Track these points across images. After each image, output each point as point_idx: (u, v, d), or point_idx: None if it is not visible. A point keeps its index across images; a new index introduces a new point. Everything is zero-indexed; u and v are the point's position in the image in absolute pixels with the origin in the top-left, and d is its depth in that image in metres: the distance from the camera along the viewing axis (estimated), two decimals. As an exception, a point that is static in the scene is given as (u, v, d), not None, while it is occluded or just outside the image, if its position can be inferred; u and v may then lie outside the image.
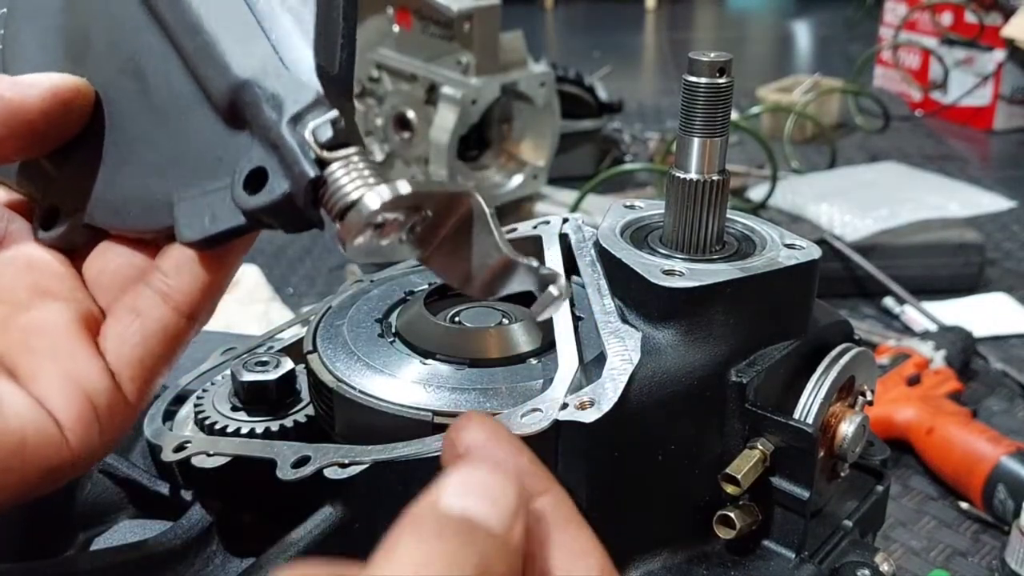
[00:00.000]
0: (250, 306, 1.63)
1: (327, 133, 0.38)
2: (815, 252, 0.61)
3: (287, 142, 0.38)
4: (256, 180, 0.39)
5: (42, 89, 0.41)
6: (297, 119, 0.39)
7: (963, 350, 1.47)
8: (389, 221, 0.38)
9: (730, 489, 0.56)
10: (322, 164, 0.38)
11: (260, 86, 0.40)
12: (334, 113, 0.39)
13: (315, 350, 0.58)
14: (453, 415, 0.53)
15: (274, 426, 0.59)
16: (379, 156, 1.81)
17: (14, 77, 0.41)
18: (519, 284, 0.43)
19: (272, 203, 0.39)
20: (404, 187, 0.37)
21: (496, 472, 0.33)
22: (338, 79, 0.40)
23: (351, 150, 0.39)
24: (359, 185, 0.38)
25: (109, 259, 0.45)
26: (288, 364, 0.61)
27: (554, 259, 0.65)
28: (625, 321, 0.57)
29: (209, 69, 0.41)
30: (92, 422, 0.42)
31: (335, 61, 0.41)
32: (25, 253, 0.45)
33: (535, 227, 0.70)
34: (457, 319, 0.62)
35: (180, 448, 0.57)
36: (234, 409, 0.60)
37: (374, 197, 0.37)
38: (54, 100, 0.41)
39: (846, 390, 0.62)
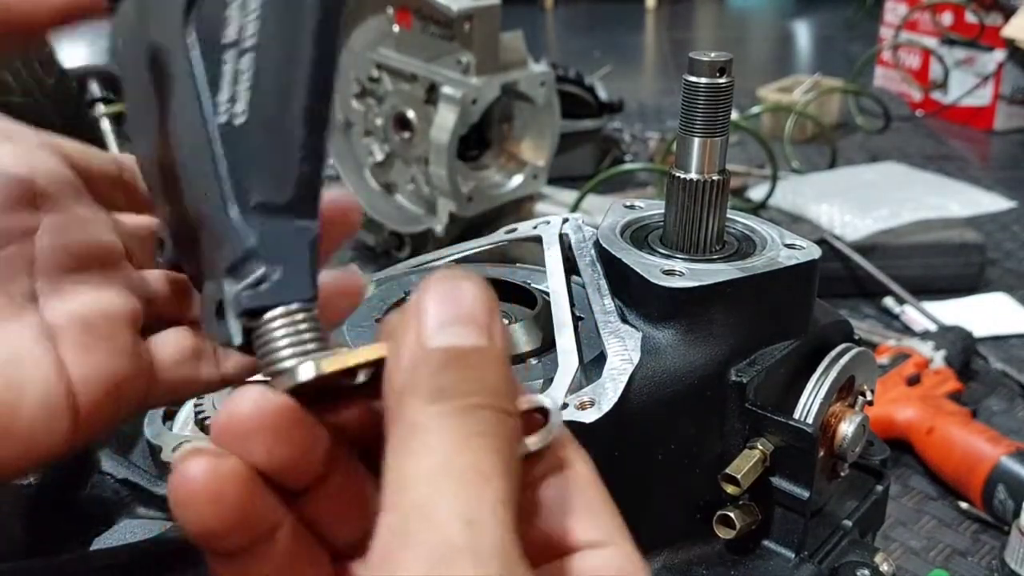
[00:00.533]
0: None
1: (252, 301, 0.35)
2: (815, 252, 0.61)
3: (221, 298, 0.36)
4: (219, 312, 0.37)
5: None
6: (232, 271, 0.36)
7: (963, 350, 1.47)
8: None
9: (730, 489, 0.56)
10: (248, 331, 0.36)
11: (209, 224, 0.37)
12: (259, 273, 0.35)
13: (315, 350, 0.58)
14: (453, 415, 0.53)
15: (274, 426, 0.59)
16: (379, 156, 1.81)
17: None
18: None
19: (223, 343, 0.37)
20: (327, 365, 0.33)
21: (462, 284, 0.33)
22: (294, 203, 0.36)
23: (278, 311, 0.35)
24: (290, 352, 0.35)
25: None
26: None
27: (554, 259, 0.65)
28: (625, 321, 0.57)
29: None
30: (109, 412, 0.41)
31: (288, 184, 0.36)
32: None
33: (535, 227, 0.70)
34: (457, 319, 0.62)
35: (180, 448, 0.57)
36: (234, 409, 0.60)
37: (305, 370, 0.34)
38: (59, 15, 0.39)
39: (846, 390, 0.62)
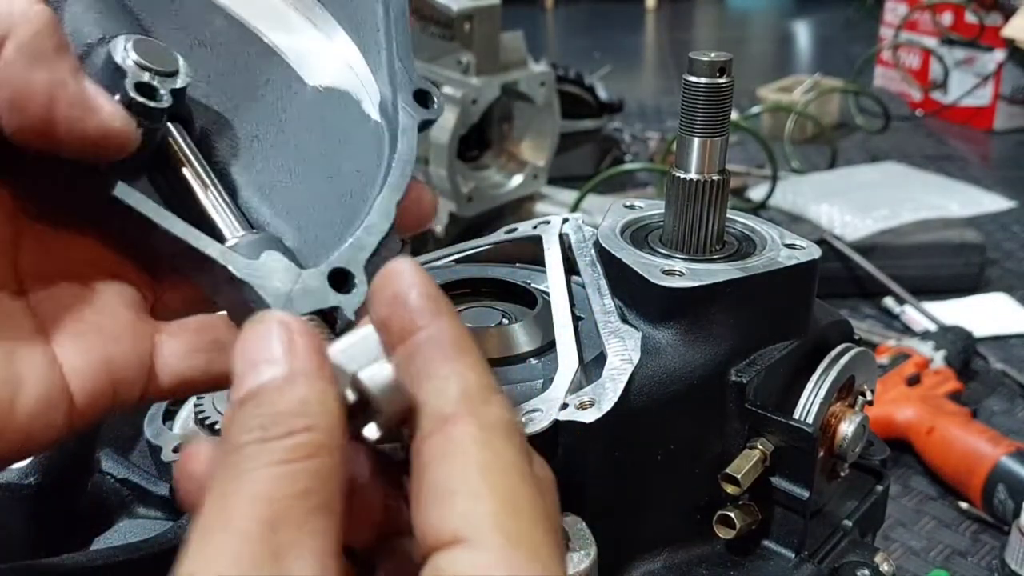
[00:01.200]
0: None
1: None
2: (815, 252, 0.61)
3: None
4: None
5: (97, 128, 0.38)
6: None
7: (963, 350, 1.47)
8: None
9: (730, 489, 0.56)
10: None
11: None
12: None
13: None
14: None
15: (274, 426, 0.59)
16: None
17: (83, 96, 0.38)
18: None
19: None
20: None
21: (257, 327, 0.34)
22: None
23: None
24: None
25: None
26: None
27: (554, 259, 0.65)
28: (625, 321, 0.57)
29: None
30: (104, 407, 0.41)
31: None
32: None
33: (535, 227, 0.70)
34: (457, 319, 0.62)
35: (180, 448, 0.57)
36: (234, 409, 0.60)
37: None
38: (100, 138, 0.39)
39: (846, 390, 0.62)
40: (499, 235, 0.72)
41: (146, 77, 0.41)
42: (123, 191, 0.39)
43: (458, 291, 0.66)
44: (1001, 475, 1.17)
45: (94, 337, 0.41)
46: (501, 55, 1.69)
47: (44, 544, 0.62)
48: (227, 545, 0.30)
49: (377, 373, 0.34)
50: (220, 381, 0.44)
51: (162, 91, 0.41)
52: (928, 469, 1.29)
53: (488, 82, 1.67)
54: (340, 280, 0.40)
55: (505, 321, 0.61)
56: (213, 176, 0.44)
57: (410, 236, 0.44)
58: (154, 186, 0.43)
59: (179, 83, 0.42)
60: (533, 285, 0.65)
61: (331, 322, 0.40)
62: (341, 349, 0.35)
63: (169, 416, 0.64)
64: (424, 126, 0.45)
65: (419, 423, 0.34)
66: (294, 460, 0.31)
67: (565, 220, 0.69)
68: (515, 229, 0.72)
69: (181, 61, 0.43)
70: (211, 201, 0.43)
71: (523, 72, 1.73)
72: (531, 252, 0.69)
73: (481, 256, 0.73)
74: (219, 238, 0.41)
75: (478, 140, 1.80)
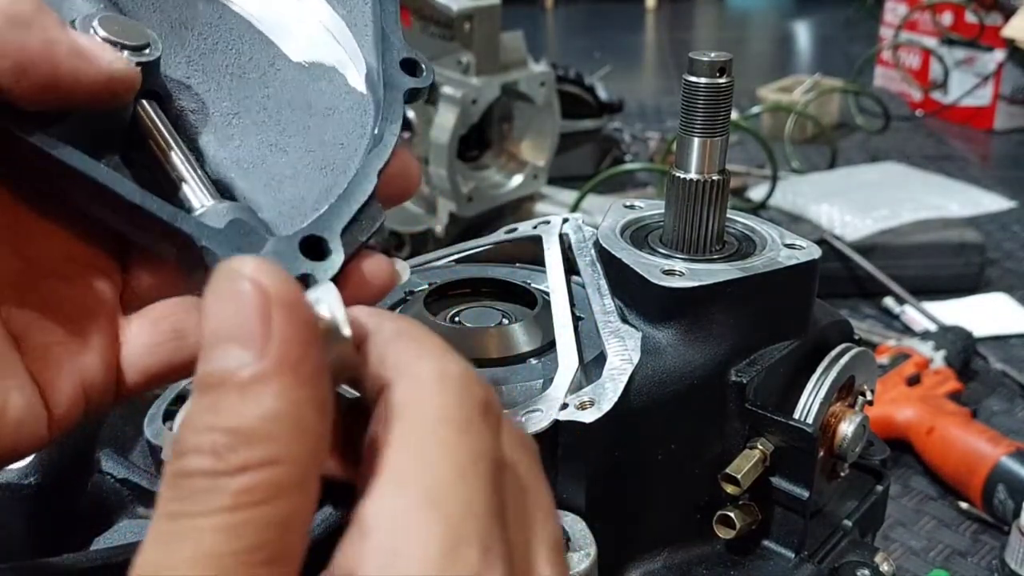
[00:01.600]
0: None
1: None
2: (815, 252, 0.61)
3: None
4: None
5: (100, 72, 0.38)
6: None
7: (963, 350, 1.47)
8: None
9: (730, 489, 0.56)
10: None
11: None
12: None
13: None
14: (453, 415, 0.53)
15: (274, 426, 0.59)
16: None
17: (78, 46, 0.38)
18: None
19: None
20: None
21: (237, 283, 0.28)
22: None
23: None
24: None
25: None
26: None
27: (554, 259, 0.65)
28: (625, 321, 0.57)
29: None
30: (78, 415, 0.41)
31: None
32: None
33: (535, 227, 0.70)
34: (457, 319, 0.62)
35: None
36: (234, 409, 0.60)
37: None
38: (107, 81, 0.38)
39: (846, 390, 0.62)
40: (499, 235, 0.72)
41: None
42: (83, 161, 0.38)
43: (458, 291, 0.66)
44: (1001, 475, 1.17)
45: (66, 348, 0.40)
46: (501, 55, 1.69)
47: (44, 544, 0.62)
48: None
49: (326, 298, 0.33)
50: (187, 370, 0.43)
51: (128, 62, 0.41)
52: (928, 469, 1.29)
53: (488, 82, 1.67)
54: (313, 247, 0.38)
55: (505, 321, 0.61)
56: (186, 150, 0.42)
57: (394, 206, 0.43)
58: (127, 164, 0.43)
59: (148, 56, 0.41)
60: (533, 285, 0.65)
61: None
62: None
63: (169, 416, 0.64)
64: (412, 95, 0.44)
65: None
66: (246, 507, 0.26)
67: (565, 220, 0.69)
68: (515, 229, 0.72)
69: (153, 35, 0.42)
70: (181, 173, 0.41)
71: (523, 72, 1.73)
72: (531, 252, 0.69)
73: (481, 256, 0.73)
74: (188, 208, 0.40)
75: (478, 140, 1.80)
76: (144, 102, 0.42)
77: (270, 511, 0.26)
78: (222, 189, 0.43)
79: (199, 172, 0.42)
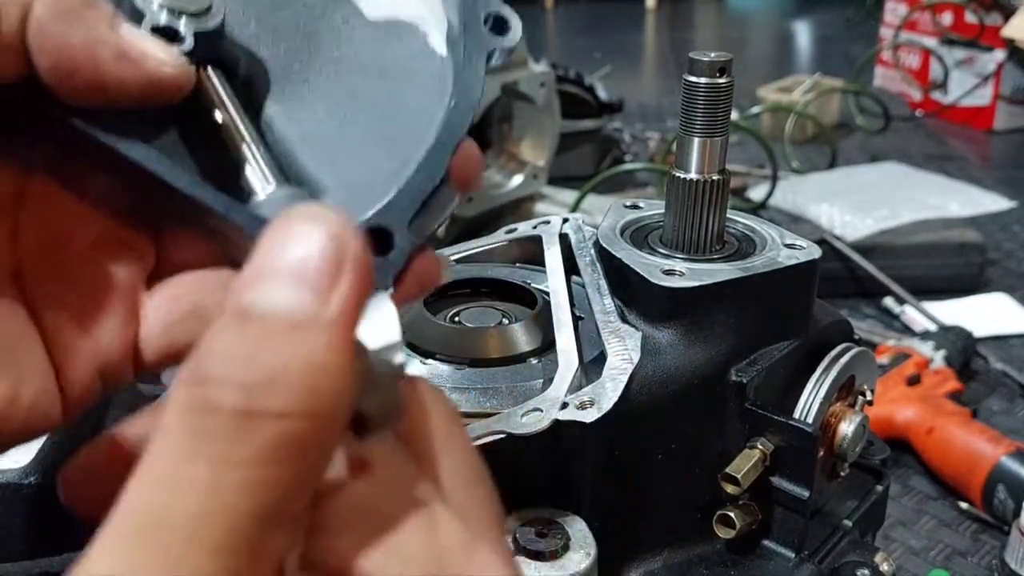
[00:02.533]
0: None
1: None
2: (815, 252, 0.61)
3: None
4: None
5: (147, 77, 0.36)
6: None
7: (963, 350, 1.47)
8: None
9: (730, 489, 0.56)
10: None
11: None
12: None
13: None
14: (453, 415, 0.53)
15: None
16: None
17: (124, 47, 0.36)
18: None
19: None
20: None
21: (306, 227, 0.26)
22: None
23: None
24: None
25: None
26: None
27: (554, 259, 0.65)
28: (625, 321, 0.58)
29: None
30: (94, 397, 0.40)
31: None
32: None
33: (535, 227, 0.70)
34: (457, 319, 0.62)
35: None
36: (234, 409, 0.60)
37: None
38: (154, 87, 0.37)
39: (846, 390, 0.62)
40: (499, 235, 0.72)
41: (163, 19, 0.37)
42: (134, 149, 0.36)
43: (458, 291, 0.66)
44: (1001, 475, 1.17)
45: (84, 328, 0.40)
46: (501, 55, 1.69)
47: (44, 544, 0.63)
48: (149, 561, 0.23)
49: (388, 357, 0.29)
50: None
51: (184, 33, 0.37)
52: (928, 469, 1.28)
53: (488, 82, 1.67)
54: (378, 240, 0.34)
55: (505, 321, 0.61)
56: (249, 125, 0.39)
57: (461, 195, 0.39)
58: (184, 137, 0.40)
59: (210, 23, 0.38)
60: (533, 285, 0.65)
61: None
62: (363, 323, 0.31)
63: (169, 416, 0.64)
64: (494, 57, 0.39)
65: None
66: (274, 462, 0.24)
67: (565, 220, 0.69)
68: (515, 229, 0.72)
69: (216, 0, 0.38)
70: (244, 152, 0.38)
71: (523, 72, 1.73)
72: (531, 252, 0.69)
73: (481, 256, 0.73)
74: (249, 192, 0.38)
75: (478, 140, 1.80)
76: (208, 70, 0.39)
77: (294, 470, 0.24)
78: (285, 166, 0.39)
79: (263, 151, 0.39)
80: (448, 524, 0.28)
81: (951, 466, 1.24)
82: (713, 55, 0.59)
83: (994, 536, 1.18)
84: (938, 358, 1.42)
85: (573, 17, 4.74)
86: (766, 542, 0.60)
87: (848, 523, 0.63)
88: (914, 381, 1.35)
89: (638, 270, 0.58)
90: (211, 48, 0.39)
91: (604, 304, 0.59)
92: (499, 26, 0.39)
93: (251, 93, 0.41)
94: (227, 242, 0.39)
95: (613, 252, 0.61)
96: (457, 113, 0.37)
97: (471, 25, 0.39)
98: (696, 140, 0.61)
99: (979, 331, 1.54)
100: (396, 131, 0.39)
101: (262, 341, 0.24)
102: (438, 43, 0.41)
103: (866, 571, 0.60)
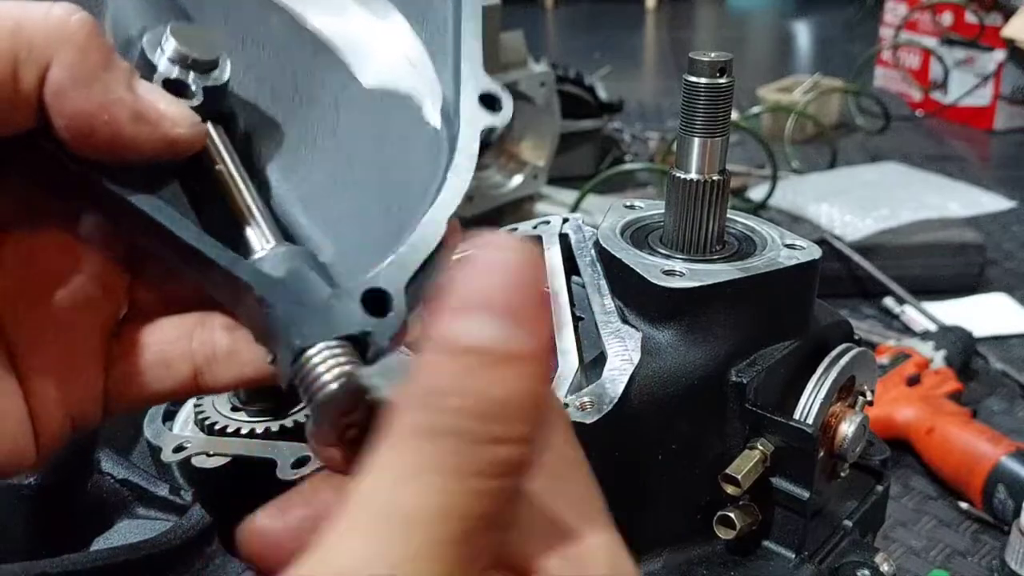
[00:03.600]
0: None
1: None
2: (815, 252, 0.61)
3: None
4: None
5: (162, 138, 0.37)
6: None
7: (963, 350, 1.47)
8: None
9: (730, 489, 0.56)
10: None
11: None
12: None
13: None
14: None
15: (274, 426, 0.59)
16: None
17: (141, 108, 0.36)
18: None
19: None
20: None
21: (508, 256, 0.28)
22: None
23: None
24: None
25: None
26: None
27: (554, 259, 0.65)
28: (625, 321, 0.58)
29: None
30: (64, 440, 0.40)
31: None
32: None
33: (535, 227, 0.70)
34: (457, 319, 0.62)
35: (180, 448, 0.57)
36: (234, 409, 0.60)
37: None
38: (168, 146, 0.37)
39: (846, 390, 0.62)
40: (499, 235, 0.72)
41: (176, 73, 0.38)
42: (142, 200, 0.37)
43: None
44: (1001, 475, 1.17)
45: (59, 372, 0.40)
46: (501, 55, 1.69)
47: (44, 544, 0.62)
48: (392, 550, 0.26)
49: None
50: (168, 397, 0.42)
51: (194, 87, 0.38)
52: (928, 469, 1.28)
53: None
54: (375, 302, 0.36)
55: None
56: (249, 182, 0.40)
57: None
58: (184, 189, 0.40)
59: (218, 79, 0.39)
60: (533, 285, 0.65)
61: (362, 349, 0.35)
62: (373, 373, 0.32)
63: (169, 416, 0.64)
64: (488, 135, 0.40)
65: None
66: (500, 475, 0.27)
67: (565, 220, 0.69)
68: (515, 229, 0.72)
69: (224, 54, 0.39)
70: (244, 209, 0.39)
71: (523, 72, 1.73)
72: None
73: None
74: (248, 249, 0.38)
75: (478, 140, 1.80)
76: (210, 126, 0.40)
77: (513, 482, 0.28)
78: (284, 227, 0.40)
79: (263, 208, 0.39)
80: (610, 524, 0.32)
81: (951, 466, 1.24)
82: (713, 55, 0.59)
83: (994, 536, 1.18)
84: (938, 358, 1.42)
85: (573, 17, 4.74)
86: (766, 543, 0.60)
87: (848, 523, 0.63)
88: (914, 381, 1.35)
89: (638, 270, 0.58)
90: (217, 103, 0.40)
91: (604, 304, 0.59)
92: (491, 103, 0.40)
93: (250, 151, 0.42)
94: (215, 290, 0.39)
95: (613, 252, 0.61)
96: (452, 186, 0.39)
97: (466, 101, 0.40)
98: (696, 140, 0.61)
99: (979, 331, 1.54)
100: (392, 198, 0.40)
101: (482, 374, 0.27)
102: (432, 115, 0.42)
103: (866, 571, 0.60)
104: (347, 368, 0.33)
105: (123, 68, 0.36)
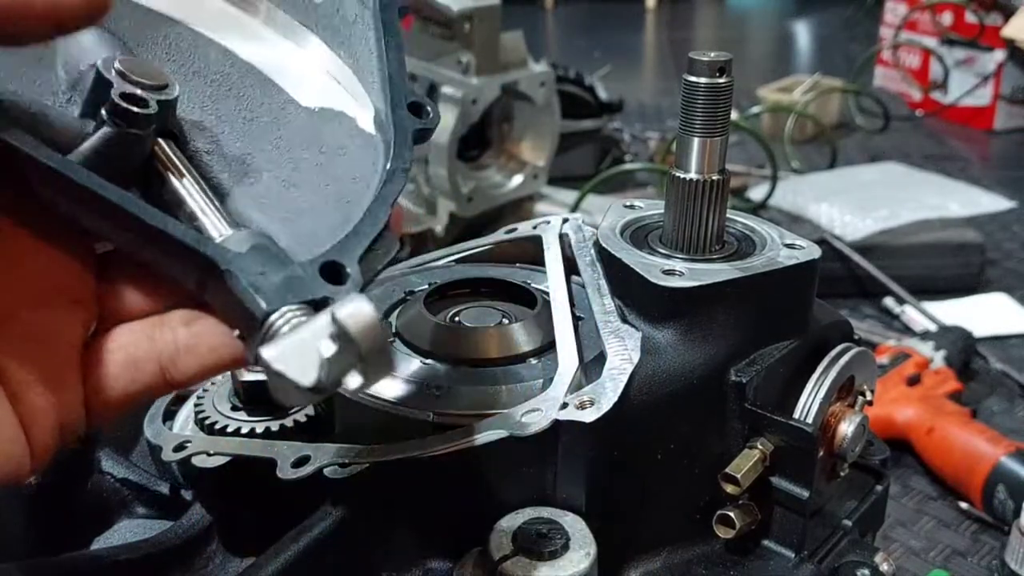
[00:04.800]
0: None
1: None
2: (815, 252, 0.61)
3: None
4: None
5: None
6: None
7: (963, 350, 1.47)
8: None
9: (730, 489, 0.56)
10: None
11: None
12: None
13: (315, 350, 0.58)
14: (452, 415, 0.53)
15: (274, 426, 0.59)
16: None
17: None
18: None
19: None
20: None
21: None
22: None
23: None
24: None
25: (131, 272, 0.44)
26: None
27: (554, 259, 0.65)
28: (625, 321, 0.58)
29: None
30: (55, 450, 0.41)
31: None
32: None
33: (535, 227, 0.70)
34: (457, 319, 0.62)
35: (180, 448, 0.57)
36: (234, 409, 0.60)
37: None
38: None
39: (846, 390, 0.62)
40: (499, 235, 0.72)
41: (129, 88, 0.42)
42: (111, 191, 0.39)
43: (458, 291, 0.66)
44: (1001, 475, 1.17)
45: (44, 385, 0.40)
46: (501, 55, 1.69)
47: (44, 544, 0.63)
48: None
49: (357, 311, 0.35)
50: (143, 396, 0.44)
51: (149, 99, 0.43)
52: (928, 469, 1.28)
53: (488, 82, 1.67)
54: (332, 272, 0.40)
55: (505, 321, 0.61)
56: (203, 184, 0.44)
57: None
58: (145, 199, 0.43)
59: (168, 95, 0.43)
60: (533, 285, 0.65)
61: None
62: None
63: (169, 416, 0.64)
64: (419, 135, 0.46)
65: None
66: None
67: (565, 220, 0.69)
68: (515, 229, 0.72)
69: (169, 77, 0.44)
70: (199, 205, 0.43)
71: (523, 72, 1.73)
72: (531, 252, 0.69)
73: (481, 256, 0.73)
74: (208, 238, 0.42)
75: (478, 140, 1.80)
76: (161, 140, 0.44)
77: None
78: (239, 222, 0.44)
79: (215, 204, 0.43)
80: None
81: (951, 466, 1.24)
82: (713, 55, 0.59)
83: (994, 536, 1.18)
84: (938, 358, 1.42)
85: (573, 17, 4.74)
86: (766, 542, 0.60)
87: (848, 523, 0.62)
88: (914, 381, 1.35)
89: (638, 270, 0.58)
90: (168, 118, 0.44)
91: (604, 304, 0.59)
92: (418, 111, 0.47)
93: (200, 163, 0.46)
94: (182, 275, 0.42)
95: (613, 252, 0.61)
96: (394, 175, 0.44)
97: (397, 110, 0.46)
98: (696, 140, 0.61)
99: (979, 331, 1.54)
100: (337, 192, 0.46)
101: None
102: (367, 125, 0.48)
103: (866, 571, 0.60)
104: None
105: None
